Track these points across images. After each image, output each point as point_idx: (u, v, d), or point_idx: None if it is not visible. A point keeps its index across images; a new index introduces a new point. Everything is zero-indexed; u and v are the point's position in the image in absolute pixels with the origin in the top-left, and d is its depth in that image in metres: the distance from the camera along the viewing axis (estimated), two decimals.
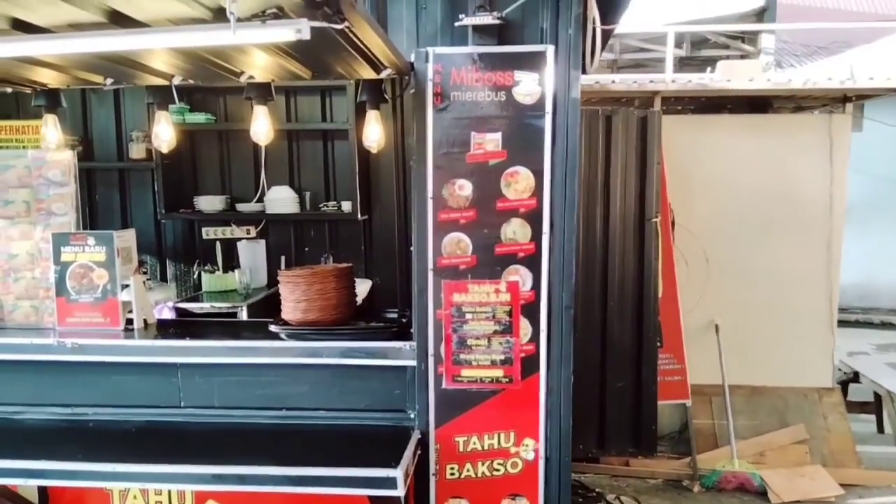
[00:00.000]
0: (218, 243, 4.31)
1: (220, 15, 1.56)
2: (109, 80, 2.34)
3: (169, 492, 2.47)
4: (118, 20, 1.61)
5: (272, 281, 4.38)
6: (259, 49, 1.89)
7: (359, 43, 1.85)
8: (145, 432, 2.50)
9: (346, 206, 4.22)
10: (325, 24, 1.57)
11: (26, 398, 2.58)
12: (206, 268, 4.26)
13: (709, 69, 5.51)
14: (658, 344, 4.24)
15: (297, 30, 1.54)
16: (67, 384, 2.56)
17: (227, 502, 2.44)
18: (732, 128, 4.48)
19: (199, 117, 4.22)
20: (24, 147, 4.44)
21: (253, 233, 4.37)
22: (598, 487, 4.10)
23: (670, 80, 4.38)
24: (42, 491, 2.53)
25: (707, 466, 4.24)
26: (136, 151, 4.27)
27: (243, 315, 3.85)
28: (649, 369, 4.21)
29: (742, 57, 7.73)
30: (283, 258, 4.41)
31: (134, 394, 2.54)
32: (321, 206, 4.31)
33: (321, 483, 2.12)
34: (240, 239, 4.34)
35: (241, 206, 4.29)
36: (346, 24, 1.59)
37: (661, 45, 6.63)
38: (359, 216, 4.16)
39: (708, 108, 4.78)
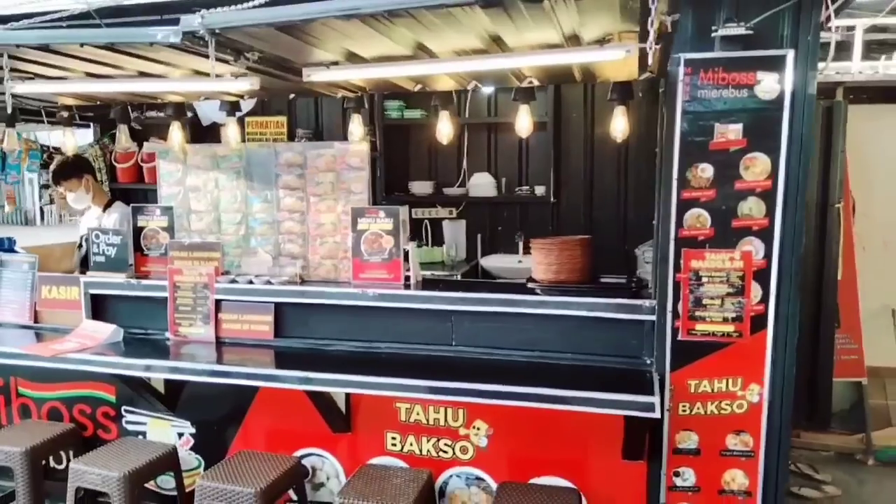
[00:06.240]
0: (426, 222, 5.01)
1: (571, 40, 2.11)
2: (418, 87, 3.01)
3: (445, 410, 3.13)
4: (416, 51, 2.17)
5: (470, 255, 5.03)
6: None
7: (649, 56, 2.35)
8: (424, 363, 3.15)
9: (539, 189, 4.77)
10: (646, 45, 2.08)
11: (334, 333, 3.33)
12: (416, 243, 4.96)
13: (883, 57, 5.53)
14: (836, 324, 4.47)
15: (626, 50, 2.06)
16: (366, 324, 3.28)
17: (493, 421, 3.06)
18: None
19: (415, 113, 4.92)
20: (267, 139, 5.37)
21: (455, 213, 5.04)
22: None
23: (857, 70, 4.54)
24: (347, 399, 3.26)
25: (881, 443, 4.42)
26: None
27: None
28: (826, 347, 4.45)
29: None
30: (479, 236, 5.05)
31: (416, 333, 3.21)
32: (516, 190, 4.90)
33: (588, 403, 2.63)
34: (444, 219, 5.02)
35: (446, 190, 4.96)
36: (661, 45, 2.09)
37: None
38: (551, 199, 4.71)
39: (891, 96, 4.85)
